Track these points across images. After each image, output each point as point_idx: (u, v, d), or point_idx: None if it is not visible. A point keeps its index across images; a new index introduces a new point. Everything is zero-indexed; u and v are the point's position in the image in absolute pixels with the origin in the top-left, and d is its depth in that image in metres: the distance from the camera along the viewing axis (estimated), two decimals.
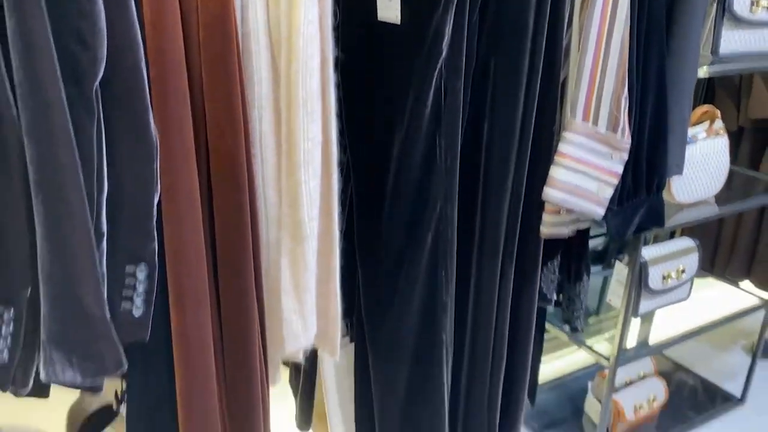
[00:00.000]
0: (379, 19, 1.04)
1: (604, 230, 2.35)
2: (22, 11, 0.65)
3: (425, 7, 1.00)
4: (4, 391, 0.79)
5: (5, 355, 0.77)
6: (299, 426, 1.48)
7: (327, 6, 0.90)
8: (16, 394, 0.89)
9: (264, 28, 0.87)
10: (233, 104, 0.87)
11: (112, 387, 1.18)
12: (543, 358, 2.06)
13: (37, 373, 0.81)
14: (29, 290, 0.76)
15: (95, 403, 1.20)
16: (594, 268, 2.22)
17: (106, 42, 0.72)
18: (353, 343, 1.33)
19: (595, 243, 2.32)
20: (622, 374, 1.98)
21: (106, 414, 1.18)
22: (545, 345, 2.13)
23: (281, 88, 0.89)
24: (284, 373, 1.49)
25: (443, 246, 1.17)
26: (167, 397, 0.97)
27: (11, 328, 0.77)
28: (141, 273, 0.85)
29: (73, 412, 1.18)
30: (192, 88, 0.86)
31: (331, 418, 1.38)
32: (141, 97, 0.78)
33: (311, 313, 1.02)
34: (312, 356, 1.35)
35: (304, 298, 1.00)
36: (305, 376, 1.42)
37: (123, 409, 1.14)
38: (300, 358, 1.08)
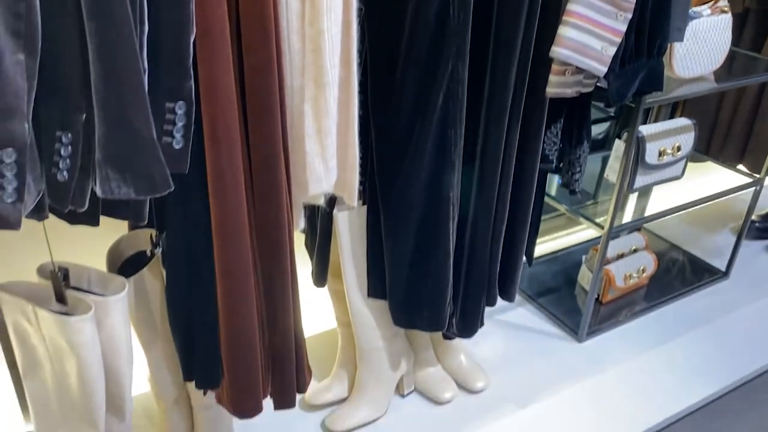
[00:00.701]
0: None
1: (605, 115, 2.43)
2: None
3: None
4: (64, 209, 0.89)
5: (65, 174, 0.86)
6: (315, 283, 1.60)
7: None
8: (72, 219, 0.99)
9: None
10: None
11: (147, 234, 1.29)
12: (540, 239, 2.17)
13: (92, 197, 0.91)
14: (84, 116, 0.84)
15: (130, 249, 1.31)
16: (594, 155, 2.31)
17: None
18: (365, 206, 1.43)
19: (597, 131, 2.39)
20: (615, 248, 2.11)
21: (142, 258, 1.29)
22: (542, 226, 2.24)
23: None
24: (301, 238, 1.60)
25: (454, 106, 1.24)
26: (203, 229, 1.07)
27: (69, 150, 0.85)
28: (180, 109, 0.93)
29: (112, 256, 1.29)
30: None
31: (346, 274, 1.50)
32: None
33: (332, 157, 1.11)
34: (327, 218, 1.46)
35: (325, 142, 1.08)
36: (321, 238, 1.52)
37: (158, 251, 1.26)
38: (321, 201, 1.18)
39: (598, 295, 2.06)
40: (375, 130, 1.28)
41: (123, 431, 1.27)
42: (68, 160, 0.86)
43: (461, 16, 1.14)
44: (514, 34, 1.20)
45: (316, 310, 1.86)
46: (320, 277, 1.59)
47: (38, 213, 0.90)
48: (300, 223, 1.21)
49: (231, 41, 0.97)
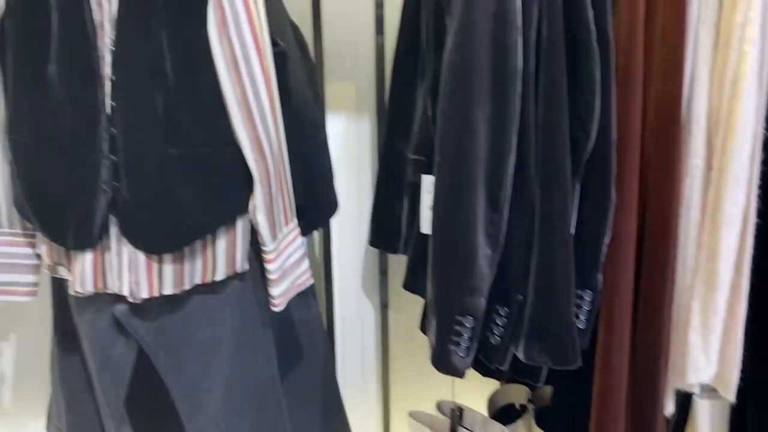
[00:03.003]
0: None
1: None
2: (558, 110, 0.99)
3: None
4: (492, 365, 1.13)
5: (497, 339, 1.11)
6: None
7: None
8: (485, 372, 1.23)
9: (705, 115, 1.10)
10: (672, 172, 1.10)
11: (517, 389, 1.49)
12: None
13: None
14: (521, 296, 1.09)
15: (503, 400, 1.51)
16: None
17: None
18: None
19: None
20: None
21: (513, 410, 1.48)
22: None
23: (714, 160, 1.10)
24: None
25: None
26: (585, 395, 1.22)
27: (504, 321, 1.10)
28: (587, 297, 1.13)
29: (490, 404, 1.51)
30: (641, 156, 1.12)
31: None
32: (609, 166, 1.07)
33: (715, 351, 1.18)
34: (687, 402, 1.48)
35: (710, 337, 1.17)
36: (678, 422, 1.54)
37: (530, 407, 1.44)
38: (696, 390, 1.24)
39: None
40: (756, 330, 1.31)
41: None
42: (502, 329, 1.10)
43: None
44: None
45: None
46: None
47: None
48: (669, 406, 1.28)
49: (635, 255, 1.15)
